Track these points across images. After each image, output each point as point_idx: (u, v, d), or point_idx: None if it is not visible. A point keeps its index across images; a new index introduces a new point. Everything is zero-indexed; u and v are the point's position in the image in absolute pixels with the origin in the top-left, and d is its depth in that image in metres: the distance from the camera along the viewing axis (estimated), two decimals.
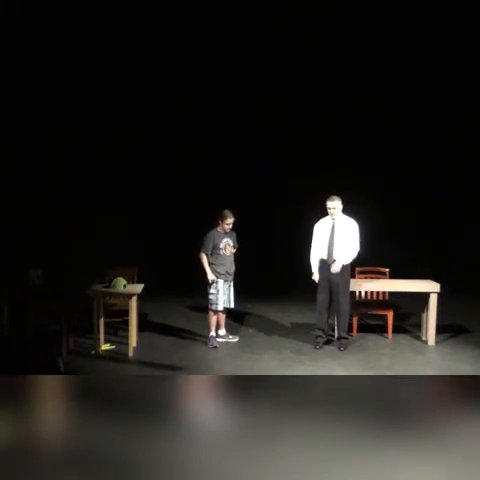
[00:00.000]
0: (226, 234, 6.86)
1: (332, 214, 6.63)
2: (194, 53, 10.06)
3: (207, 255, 6.79)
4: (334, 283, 6.63)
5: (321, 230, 6.72)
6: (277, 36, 9.89)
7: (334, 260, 6.58)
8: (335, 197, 6.63)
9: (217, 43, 9.83)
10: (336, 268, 6.59)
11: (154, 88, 10.50)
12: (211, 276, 6.76)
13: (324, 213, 6.73)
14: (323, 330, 6.82)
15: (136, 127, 10.68)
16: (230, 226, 6.85)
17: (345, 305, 6.72)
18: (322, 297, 6.71)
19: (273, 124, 10.78)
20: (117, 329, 7.20)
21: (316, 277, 6.73)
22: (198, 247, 6.84)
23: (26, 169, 10.09)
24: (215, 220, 6.87)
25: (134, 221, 10.40)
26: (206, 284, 6.84)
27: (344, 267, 6.63)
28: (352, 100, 10.33)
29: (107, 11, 9.41)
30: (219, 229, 6.84)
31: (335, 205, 6.60)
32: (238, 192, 10.19)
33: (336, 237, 6.61)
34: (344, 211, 6.72)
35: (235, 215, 6.84)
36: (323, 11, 9.65)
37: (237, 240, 6.99)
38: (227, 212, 6.81)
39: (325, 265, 6.65)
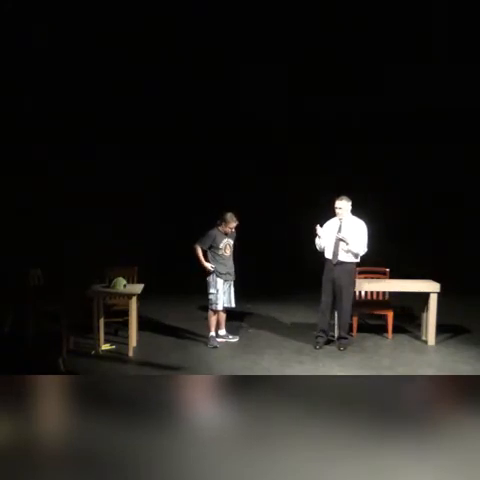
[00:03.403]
0: (227, 234, 6.85)
1: (339, 214, 6.60)
2: None
3: (202, 249, 6.77)
4: (338, 284, 6.61)
5: (328, 230, 6.68)
6: None
7: (339, 261, 6.57)
8: (343, 197, 6.59)
9: None
10: (342, 235, 6.45)
11: None
12: (208, 266, 6.73)
13: (327, 214, 6.71)
14: (324, 331, 6.82)
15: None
16: (233, 230, 6.84)
17: (347, 306, 6.70)
18: (325, 298, 6.71)
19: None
20: (117, 329, 7.20)
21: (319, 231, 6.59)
22: (194, 240, 6.84)
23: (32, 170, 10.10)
24: (217, 220, 6.83)
25: (134, 221, 10.40)
26: (206, 279, 6.82)
27: (349, 269, 6.61)
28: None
29: None
30: (220, 229, 6.84)
31: (342, 205, 6.56)
32: (238, 192, 10.18)
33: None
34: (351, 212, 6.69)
35: (237, 216, 6.83)
36: None
37: (236, 239, 6.97)
38: (230, 216, 6.77)
39: (330, 265, 6.63)
